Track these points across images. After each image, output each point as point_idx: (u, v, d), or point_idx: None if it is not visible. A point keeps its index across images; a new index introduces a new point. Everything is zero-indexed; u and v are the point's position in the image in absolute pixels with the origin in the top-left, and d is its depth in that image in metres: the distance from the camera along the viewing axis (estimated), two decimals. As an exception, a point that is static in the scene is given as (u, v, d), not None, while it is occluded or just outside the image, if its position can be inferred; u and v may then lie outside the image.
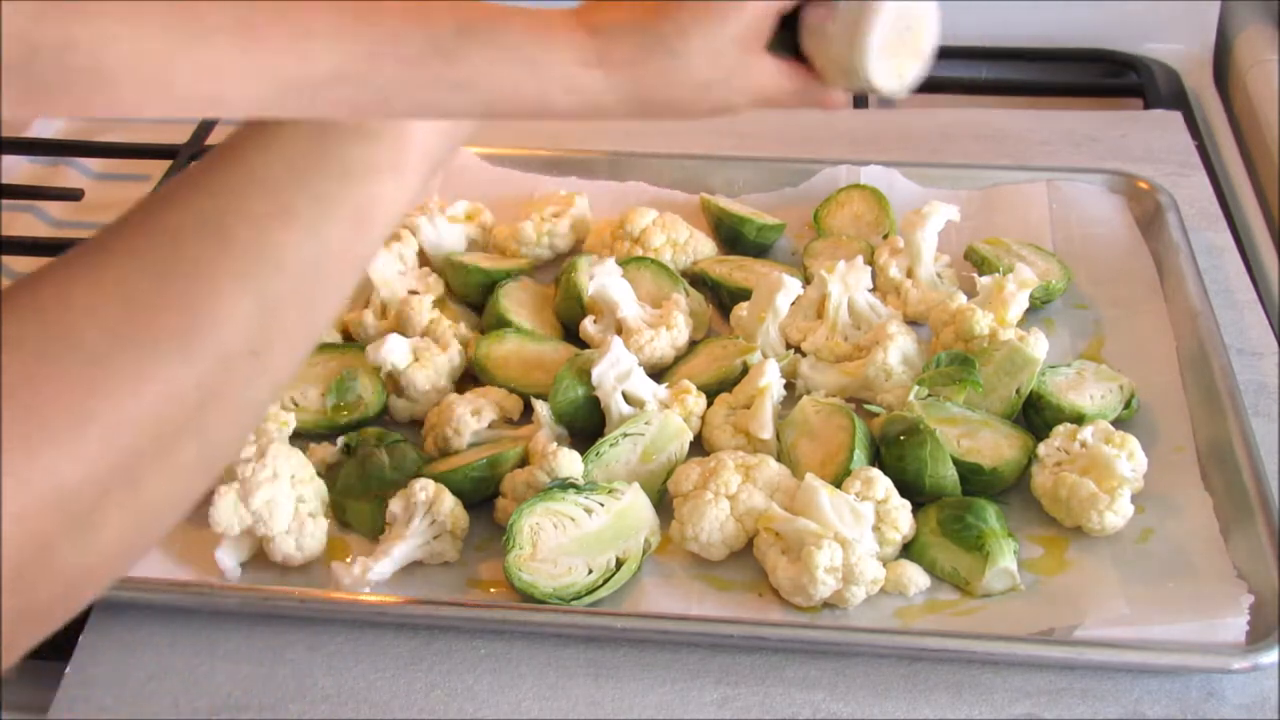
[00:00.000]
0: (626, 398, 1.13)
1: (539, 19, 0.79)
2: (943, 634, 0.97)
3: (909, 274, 1.28)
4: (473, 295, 1.30)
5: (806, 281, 1.26)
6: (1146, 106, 1.63)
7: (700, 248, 1.34)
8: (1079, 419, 1.11)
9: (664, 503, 1.08)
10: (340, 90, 0.71)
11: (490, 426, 1.14)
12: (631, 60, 0.79)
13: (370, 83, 0.72)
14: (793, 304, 1.23)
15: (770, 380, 1.13)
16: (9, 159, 1.62)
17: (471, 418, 1.12)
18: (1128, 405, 1.14)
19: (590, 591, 0.99)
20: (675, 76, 0.80)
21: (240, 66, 0.68)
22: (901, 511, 1.03)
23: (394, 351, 1.17)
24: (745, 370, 1.17)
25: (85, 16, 0.64)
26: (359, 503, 1.08)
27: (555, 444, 1.07)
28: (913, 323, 1.25)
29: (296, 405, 1.17)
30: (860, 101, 1.65)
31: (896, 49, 0.87)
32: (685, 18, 0.80)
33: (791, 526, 1.00)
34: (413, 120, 0.76)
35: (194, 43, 0.67)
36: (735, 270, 1.31)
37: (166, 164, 1.56)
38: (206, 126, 1.63)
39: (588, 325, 1.24)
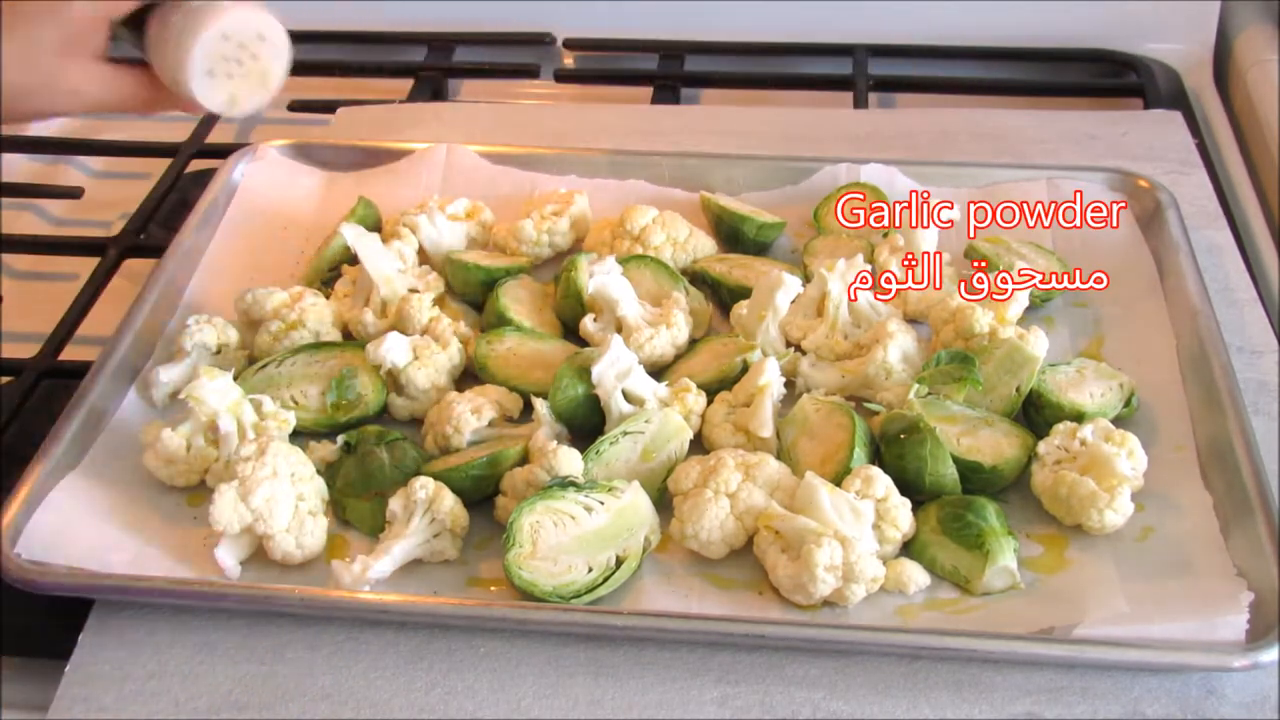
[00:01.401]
0: (626, 396, 1.13)
1: None
2: (943, 632, 0.97)
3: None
4: (473, 293, 1.30)
5: (806, 280, 1.27)
6: (1146, 106, 1.63)
7: (700, 246, 1.34)
8: (1079, 417, 1.11)
9: (664, 501, 1.08)
10: None
11: (490, 425, 1.14)
12: None
13: None
14: (793, 302, 1.23)
15: (770, 378, 1.13)
16: (9, 157, 1.62)
17: (471, 416, 1.12)
18: (1127, 403, 1.14)
19: (590, 590, 0.99)
20: None
21: None
22: (901, 510, 1.03)
23: (394, 350, 1.17)
24: (745, 368, 1.17)
25: None
26: (359, 501, 1.08)
27: (555, 442, 1.07)
28: (913, 321, 1.25)
29: (296, 404, 1.16)
30: (860, 101, 1.66)
31: (230, 70, 0.87)
32: None
33: (791, 524, 1.00)
34: None
35: None
36: (735, 268, 1.31)
37: (166, 162, 1.56)
38: (206, 125, 1.63)
39: (588, 323, 1.24)
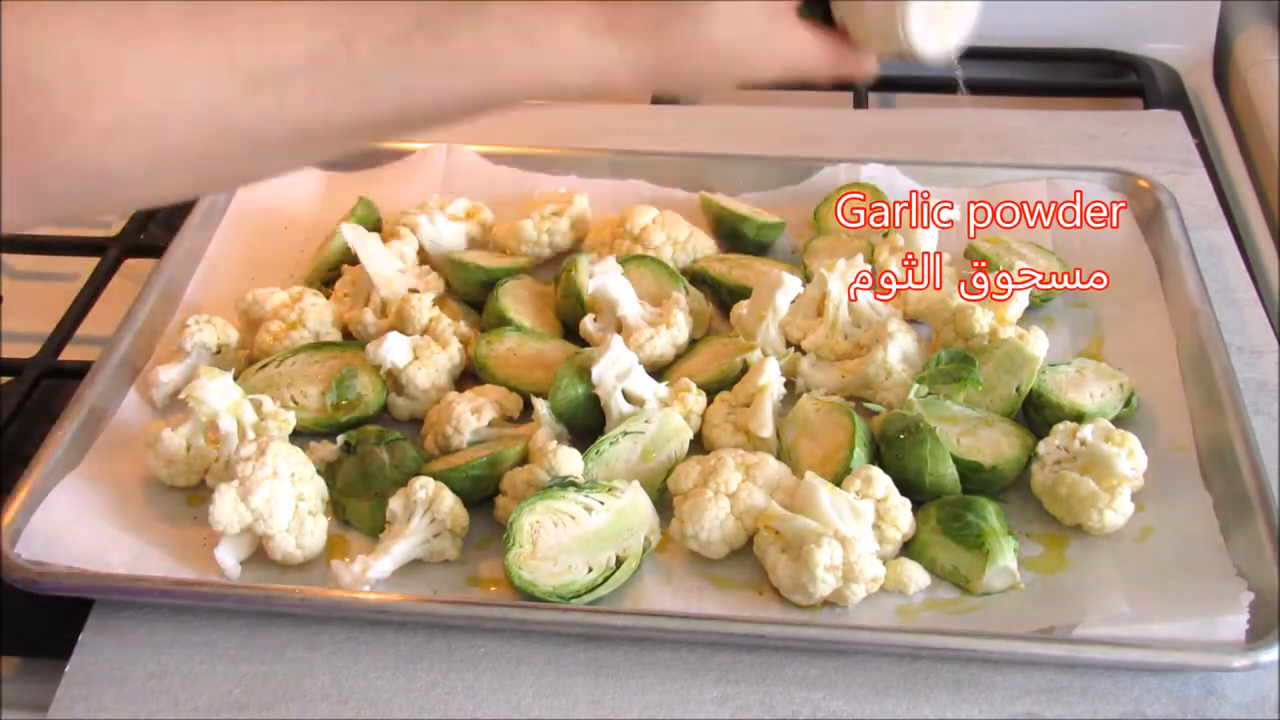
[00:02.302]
0: (626, 396, 1.13)
1: None
2: (943, 632, 0.97)
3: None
4: (473, 293, 1.30)
5: (807, 280, 1.26)
6: (1146, 106, 1.63)
7: (700, 246, 1.34)
8: (1079, 417, 1.11)
9: (664, 501, 1.08)
10: (311, 80, 0.64)
11: (490, 425, 1.14)
12: (648, 25, 0.72)
13: (346, 68, 0.65)
14: (793, 302, 1.23)
15: (770, 378, 1.13)
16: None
17: (471, 416, 1.12)
18: (1128, 403, 1.14)
19: (590, 590, 0.99)
20: (697, 44, 0.73)
21: (195, 60, 0.61)
22: (901, 510, 1.03)
23: (394, 350, 1.17)
24: (745, 368, 1.17)
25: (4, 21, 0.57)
26: (359, 501, 1.08)
27: (555, 442, 1.07)
28: (913, 321, 1.25)
29: (296, 404, 1.17)
30: (860, 101, 1.66)
31: (940, 9, 0.84)
32: None
33: (791, 525, 1.00)
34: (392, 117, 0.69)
35: (136, 37, 0.60)
36: (735, 268, 1.31)
37: (166, 162, 1.56)
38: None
39: (588, 323, 1.24)
